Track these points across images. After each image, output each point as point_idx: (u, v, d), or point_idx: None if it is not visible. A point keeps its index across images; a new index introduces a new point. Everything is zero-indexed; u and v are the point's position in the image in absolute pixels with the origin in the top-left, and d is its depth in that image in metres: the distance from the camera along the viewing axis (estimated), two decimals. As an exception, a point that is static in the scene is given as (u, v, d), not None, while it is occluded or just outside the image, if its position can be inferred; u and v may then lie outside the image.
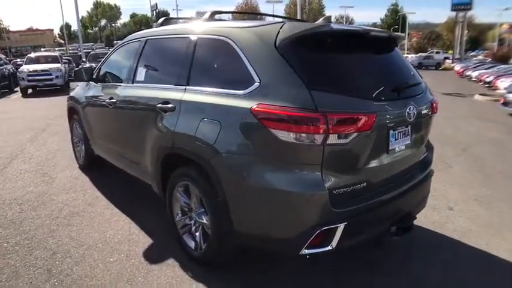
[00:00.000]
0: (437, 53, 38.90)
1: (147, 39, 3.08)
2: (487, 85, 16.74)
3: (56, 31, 68.40)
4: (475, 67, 22.69)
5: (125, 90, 3.14)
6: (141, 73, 3.00)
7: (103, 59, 3.91)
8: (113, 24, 78.65)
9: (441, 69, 31.35)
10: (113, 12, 74.74)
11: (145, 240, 2.82)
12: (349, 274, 2.43)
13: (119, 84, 3.33)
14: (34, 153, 5.27)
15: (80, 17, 24.17)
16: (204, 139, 2.13)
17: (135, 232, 2.96)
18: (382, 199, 2.14)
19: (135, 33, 3.49)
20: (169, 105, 2.46)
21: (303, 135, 1.80)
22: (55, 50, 32.17)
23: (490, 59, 31.67)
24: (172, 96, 2.48)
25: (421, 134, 2.46)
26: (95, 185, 4.00)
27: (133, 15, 78.86)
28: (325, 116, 1.77)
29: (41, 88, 13.60)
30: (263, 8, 54.50)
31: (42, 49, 38.16)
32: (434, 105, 2.54)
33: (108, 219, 3.20)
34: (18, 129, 7.04)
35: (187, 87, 2.42)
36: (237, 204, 2.04)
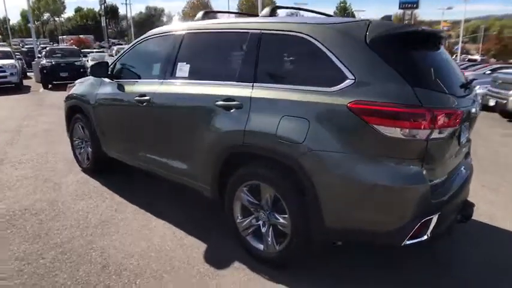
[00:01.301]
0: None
1: (185, 33, 2.90)
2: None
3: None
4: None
5: (161, 87, 2.92)
6: (183, 68, 2.82)
7: (119, 54, 3.62)
8: (57, 19, 73.09)
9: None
10: (57, 6, 69.24)
11: (199, 244, 2.68)
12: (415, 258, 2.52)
13: (151, 80, 3.10)
14: (21, 158, 4.74)
15: (21, 10, 22.03)
16: (289, 137, 2.07)
17: (182, 236, 2.79)
18: (456, 189, 2.25)
19: (164, 27, 3.26)
20: (235, 103, 2.35)
21: (409, 130, 1.82)
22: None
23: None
24: (237, 92, 2.37)
25: (472, 127, 2.61)
26: (110, 188, 3.71)
27: (78, 9, 73.93)
28: (432, 111, 1.81)
29: (-8, 86, 12.25)
30: (215, 4, 53.40)
31: (-24, 44, 34.27)
32: (481, 101, 2.71)
33: (145, 225, 2.98)
34: (-12, 132, 6.29)
35: (255, 83, 2.32)
36: (334, 201, 2.00)
